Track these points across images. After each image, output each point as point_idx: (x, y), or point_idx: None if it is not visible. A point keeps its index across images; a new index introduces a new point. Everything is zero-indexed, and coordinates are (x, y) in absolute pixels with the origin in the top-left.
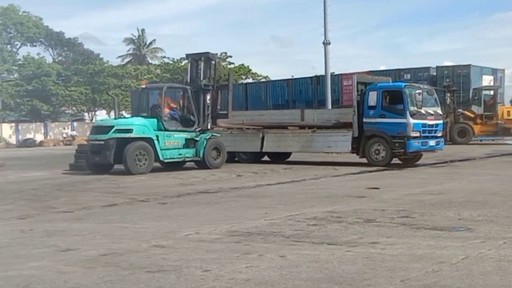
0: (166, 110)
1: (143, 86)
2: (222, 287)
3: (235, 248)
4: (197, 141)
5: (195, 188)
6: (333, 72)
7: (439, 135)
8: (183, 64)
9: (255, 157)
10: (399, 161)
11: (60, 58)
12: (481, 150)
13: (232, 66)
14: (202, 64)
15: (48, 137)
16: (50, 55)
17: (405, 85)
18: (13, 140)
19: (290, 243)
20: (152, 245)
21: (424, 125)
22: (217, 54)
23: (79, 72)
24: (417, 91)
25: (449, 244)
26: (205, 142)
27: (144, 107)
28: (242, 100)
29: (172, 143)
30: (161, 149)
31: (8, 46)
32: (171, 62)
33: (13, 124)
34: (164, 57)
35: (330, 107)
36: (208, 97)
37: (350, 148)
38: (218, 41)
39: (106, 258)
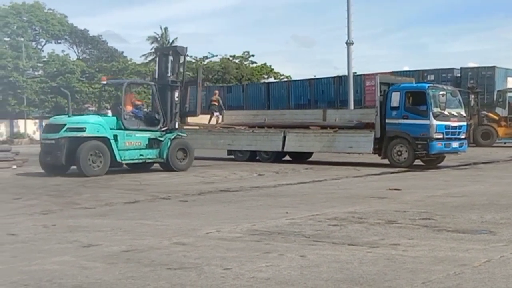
0: (128, 108)
1: (104, 82)
2: (242, 285)
3: (255, 247)
4: (161, 141)
5: (216, 187)
6: (356, 72)
7: (463, 137)
8: (205, 62)
9: (277, 157)
10: (421, 163)
11: (84, 55)
12: (504, 152)
13: (254, 65)
14: (170, 59)
15: None
16: (75, 52)
17: (428, 86)
18: (37, 136)
19: (310, 243)
20: (173, 243)
21: (447, 126)
22: (186, 48)
23: (102, 70)
24: (441, 92)
25: (472, 247)
26: (169, 143)
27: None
28: (264, 99)
29: (133, 143)
30: (119, 150)
31: (33, 43)
32: (193, 60)
33: (37, 121)
34: (187, 55)
35: (352, 107)
36: (176, 94)
37: (372, 149)
38: (240, 40)
39: (127, 254)
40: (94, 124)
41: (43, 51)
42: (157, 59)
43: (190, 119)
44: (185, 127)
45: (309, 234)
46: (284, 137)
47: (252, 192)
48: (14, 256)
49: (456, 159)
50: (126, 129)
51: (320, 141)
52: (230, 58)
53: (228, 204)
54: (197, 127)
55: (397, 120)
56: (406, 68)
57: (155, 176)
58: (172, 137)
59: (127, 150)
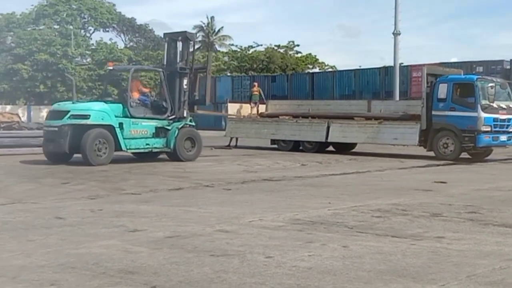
0: (135, 95)
1: (110, 68)
2: (284, 274)
3: (298, 236)
4: (168, 130)
5: (259, 176)
6: (402, 63)
7: (511, 130)
8: (250, 52)
9: (320, 147)
10: (468, 156)
11: (131, 43)
12: None
13: (299, 55)
14: (179, 45)
15: None
16: (122, 40)
17: (477, 78)
18: None
19: (353, 233)
20: (216, 230)
21: (495, 119)
22: (196, 33)
23: (149, 58)
24: (490, 85)
25: None
26: (176, 132)
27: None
28: (308, 89)
29: (139, 131)
30: (124, 138)
31: (82, 31)
32: (238, 50)
33: None
34: (232, 44)
35: (397, 98)
36: (185, 81)
37: (417, 141)
38: (286, 30)
39: (171, 240)
40: (99, 111)
41: (91, 39)
42: (165, 44)
43: (231, 109)
44: (228, 116)
45: (352, 225)
46: (328, 128)
47: (295, 182)
48: (62, 239)
49: (504, 152)
50: (132, 117)
51: (365, 132)
52: (275, 48)
53: (271, 193)
54: (242, 117)
55: (444, 112)
56: (454, 60)
57: (199, 164)
58: (180, 126)
59: (132, 138)
